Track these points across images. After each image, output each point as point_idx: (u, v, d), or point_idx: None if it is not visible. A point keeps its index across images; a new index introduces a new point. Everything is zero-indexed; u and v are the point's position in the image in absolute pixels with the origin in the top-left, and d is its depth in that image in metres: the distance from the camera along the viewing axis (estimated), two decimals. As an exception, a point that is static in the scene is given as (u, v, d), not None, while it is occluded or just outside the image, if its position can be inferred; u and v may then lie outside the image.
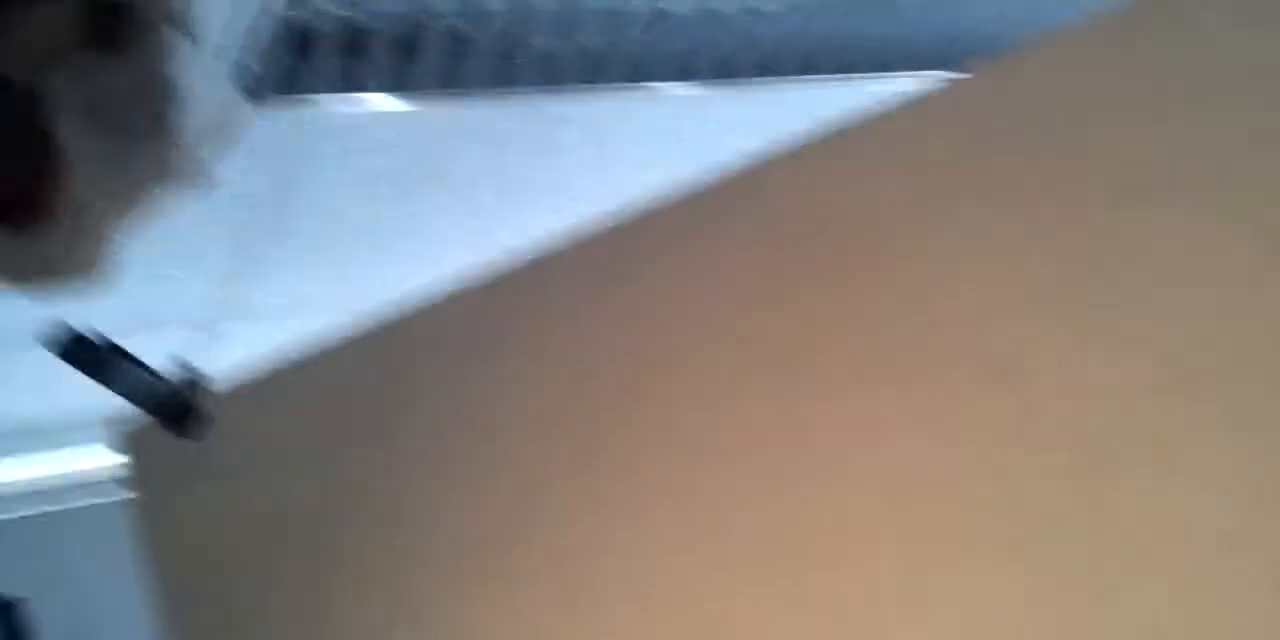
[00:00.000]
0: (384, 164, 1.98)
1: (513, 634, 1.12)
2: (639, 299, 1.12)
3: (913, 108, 0.99)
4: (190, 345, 1.16)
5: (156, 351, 1.15)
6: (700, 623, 1.01)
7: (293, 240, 2.15)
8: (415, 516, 1.17)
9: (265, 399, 1.24)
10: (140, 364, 1.12)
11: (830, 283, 1.01)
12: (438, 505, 1.16)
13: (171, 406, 1.13)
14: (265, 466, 1.22)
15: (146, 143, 0.87)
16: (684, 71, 1.91)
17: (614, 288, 1.13)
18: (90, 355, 1.10)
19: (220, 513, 1.20)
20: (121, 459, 1.25)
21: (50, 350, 1.11)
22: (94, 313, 2.01)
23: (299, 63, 1.68)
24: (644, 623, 1.05)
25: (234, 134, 0.94)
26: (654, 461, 1.08)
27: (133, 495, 1.22)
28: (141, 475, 1.24)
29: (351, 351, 1.23)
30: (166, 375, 1.12)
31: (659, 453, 1.08)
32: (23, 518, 2.69)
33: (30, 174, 0.83)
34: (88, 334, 1.11)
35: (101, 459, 2.51)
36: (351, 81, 1.74)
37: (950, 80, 1.00)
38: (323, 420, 1.21)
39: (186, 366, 1.14)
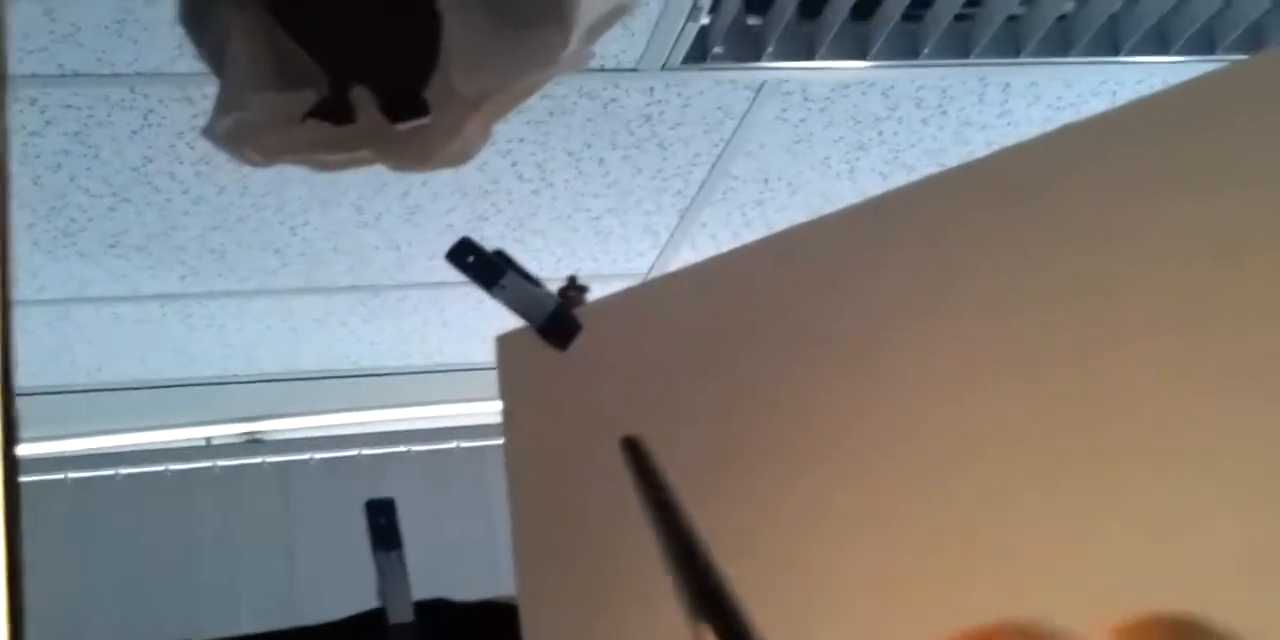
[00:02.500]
0: (827, 132, 1.99)
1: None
2: (1030, 229, 1.07)
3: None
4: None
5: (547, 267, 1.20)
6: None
7: (725, 202, 2.20)
8: (778, 451, 1.16)
9: (637, 314, 1.27)
10: (524, 274, 1.18)
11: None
12: (801, 442, 1.15)
13: (548, 315, 1.18)
14: (625, 383, 1.25)
15: (535, 30, 0.90)
16: (1160, 43, 1.81)
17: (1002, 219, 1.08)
18: (483, 265, 1.16)
19: (577, 426, 1.24)
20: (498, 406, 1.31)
21: (449, 260, 1.18)
22: (530, 258, 2.12)
23: (754, 22, 1.72)
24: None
25: (622, 20, 0.96)
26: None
27: (500, 403, 1.28)
28: (508, 380, 1.30)
29: (730, 271, 1.24)
30: (548, 287, 1.18)
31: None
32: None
33: (410, 66, 0.89)
34: (475, 245, 1.17)
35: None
36: (803, 45, 1.76)
37: None
38: (687, 341, 1.22)
39: (569, 277, 1.19)
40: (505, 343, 1.31)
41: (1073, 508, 0.97)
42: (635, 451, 0.47)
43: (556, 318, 1.19)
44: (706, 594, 0.42)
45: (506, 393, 1.31)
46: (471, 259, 1.17)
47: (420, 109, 0.91)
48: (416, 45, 0.91)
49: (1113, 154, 1.09)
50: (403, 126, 0.92)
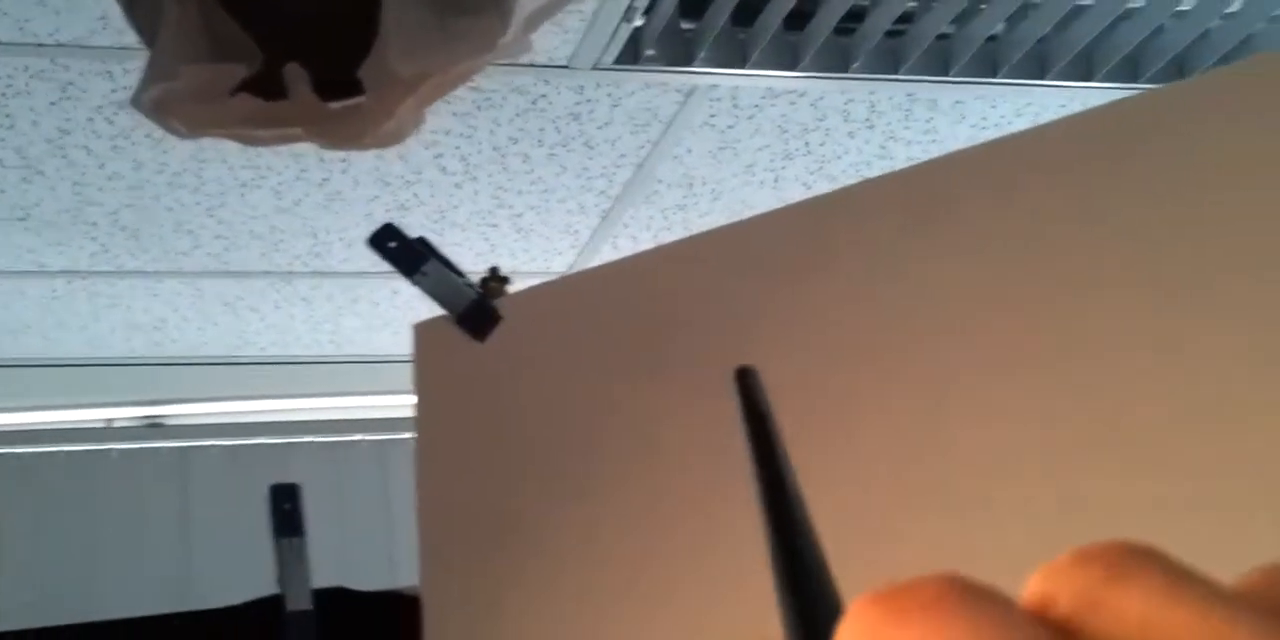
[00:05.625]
0: (753, 140, 2.00)
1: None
2: (960, 236, 1.08)
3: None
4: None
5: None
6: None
7: (648, 204, 2.21)
8: (691, 449, 1.16)
9: (558, 308, 1.27)
10: (448, 264, 1.17)
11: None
12: (715, 440, 1.15)
13: (468, 305, 1.17)
14: (543, 375, 1.25)
15: (474, 16, 0.90)
16: (1086, 69, 1.84)
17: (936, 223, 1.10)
18: (405, 251, 1.15)
19: (491, 417, 1.24)
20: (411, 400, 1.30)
21: (371, 245, 1.17)
22: (448, 251, 2.10)
23: (688, 26, 1.72)
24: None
25: (562, 10, 0.96)
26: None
27: (414, 391, 1.27)
28: (423, 369, 1.29)
29: (653, 269, 1.24)
30: (470, 276, 1.17)
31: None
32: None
33: (347, 45, 0.88)
34: (405, 234, 1.16)
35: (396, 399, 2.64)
36: (735, 52, 1.77)
37: None
38: (608, 336, 1.22)
39: (490, 268, 1.18)
40: (423, 331, 1.30)
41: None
42: (747, 383, 0.43)
43: (477, 308, 1.18)
44: (794, 553, 0.37)
45: (421, 381, 1.30)
46: (393, 245, 1.16)
47: (354, 88, 0.90)
48: (354, 24, 0.90)
49: (1031, 172, 1.11)
50: (335, 105, 0.91)
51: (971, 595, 0.23)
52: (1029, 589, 0.24)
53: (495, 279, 1.20)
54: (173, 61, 0.93)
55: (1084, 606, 0.23)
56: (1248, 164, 0.98)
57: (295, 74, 0.89)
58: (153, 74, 0.94)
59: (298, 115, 0.90)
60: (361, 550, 2.70)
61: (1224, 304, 0.95)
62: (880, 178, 1.24)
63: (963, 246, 1.12)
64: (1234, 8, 1.73)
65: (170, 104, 0.91)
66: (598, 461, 1.22)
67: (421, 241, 1.17)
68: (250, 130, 0.92)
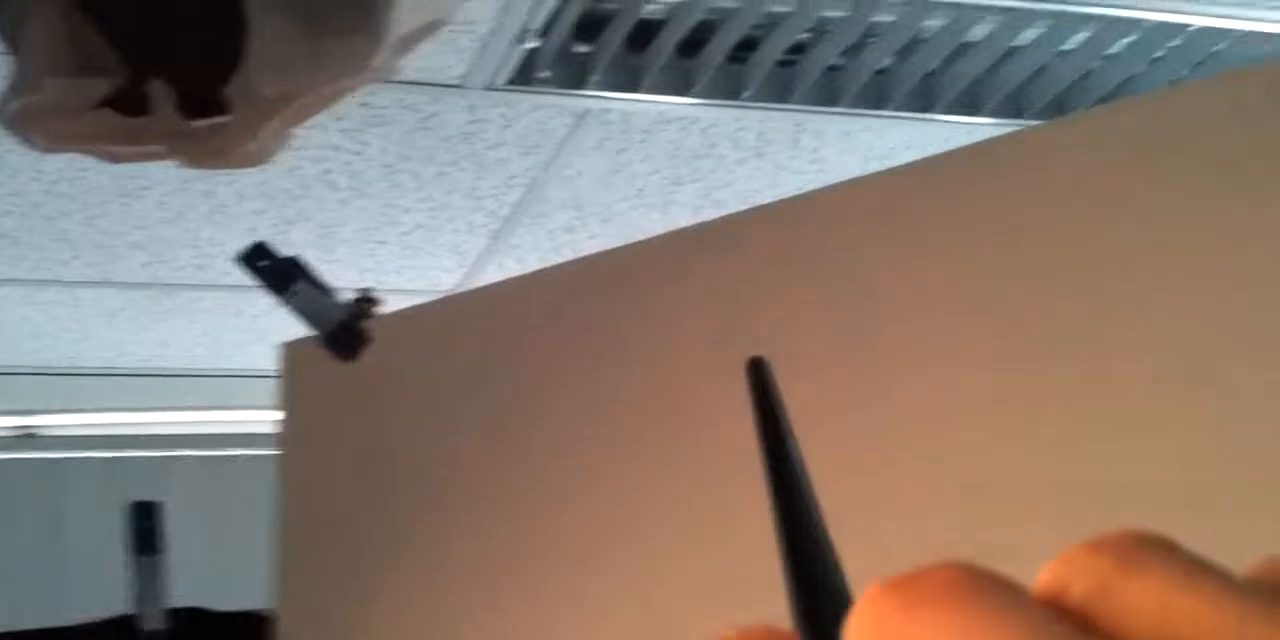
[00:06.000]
0: (644, 164, 2.00)
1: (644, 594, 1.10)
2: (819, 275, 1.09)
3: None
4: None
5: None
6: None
7: (537, 226, 2.20)
8: (560, 475, 1.16)
9: (432, 330, 1.26)
10: (318, 283, 1.15)
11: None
12: (589, 457, 1.15)
13: (337, 326, 1.16)
14: (413, 397, 1.24)
15: (343, 41, 0.89)
16: (971, 105, 1.87)
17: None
18: (274, 270, 1.14)
19: (356, 439, 1.23)
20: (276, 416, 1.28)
21: (241, 263, 1.16)
22: (334, 267, 2.08)
23: (582, 50, 1.72)
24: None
25: (437, 34, 0.95)
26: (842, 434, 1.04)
27: (279, 411, 1.26)
28: (290, 390, 1.28)
29: (529, 293, 1.24)
30: (341, 296, 1.15)
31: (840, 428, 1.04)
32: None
33: (212, 63, 0.86)
34: (271, 249, 1.15)
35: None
36: (628, 77, 1.77)
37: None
38: (480, 359, 1.22)
39: (362, 289, 1.17)
40: (291, 350, 1.29)
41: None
42: (760, 374, 0.42)
43: (345, 329, 1.16)
44: (802, 550, 0.35)
45: (287, 400, 1.28)
46: (264, 263, 1.14)
47: (218, 107, 0.89)
48: (221, 42, 0.88)
49: (918, 200, 1.12)
50: (199, 123, 0.89)
51: (983, 583, 0.23)
52: (1042, 577, 0.24)
53: (366, 300, 1.19)
54: (37, 74, 0.91)
55: (1097, 595, 0.23)
56: (1127, 197, 1.01)
57: (159, 91, 0.88)
58: (16, 87, 0.92)
59: (160, 133, 0.88)
60: (240, 567, 2.65)
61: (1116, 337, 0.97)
62: (765, 207, 1.25)
63: (841, 276, 1.13)
64: (1115, 50, 1.76)
65: (32, 118, 0.90)
66: (468, 482, 1.21)
67: (292, 261, 1.15)
68: (111, 146, 0.91)
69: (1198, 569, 0.23)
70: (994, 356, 1.02)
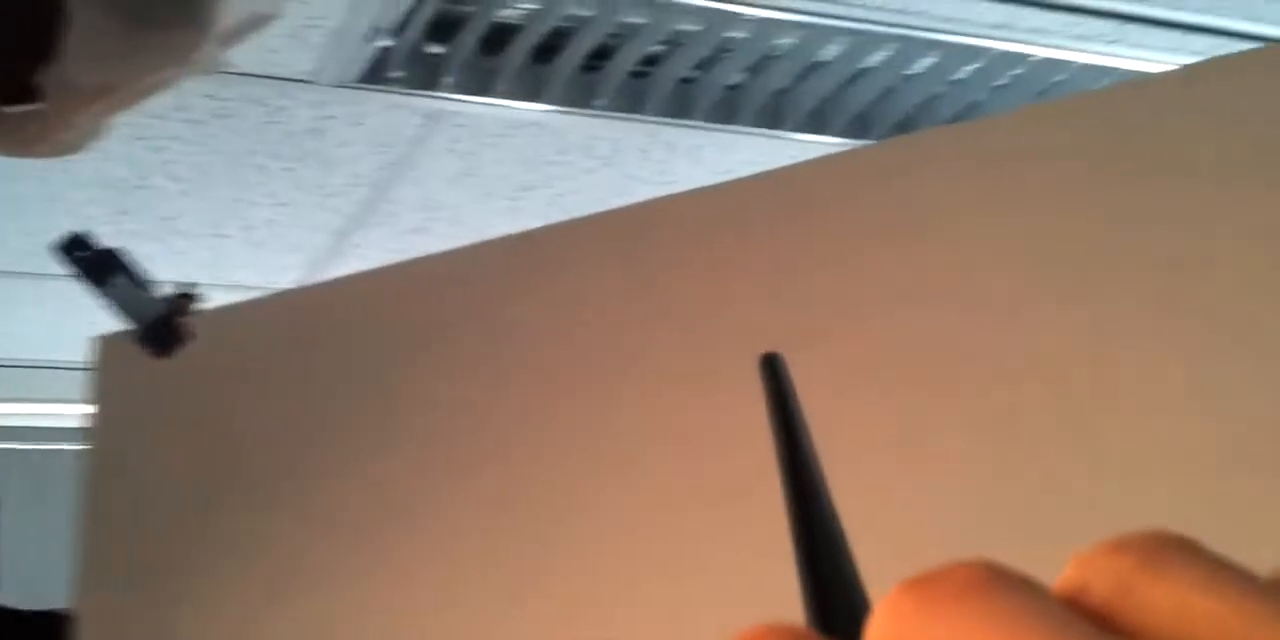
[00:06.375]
0: (494, 168, 1.99)
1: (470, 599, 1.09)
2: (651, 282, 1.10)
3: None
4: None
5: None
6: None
7: (384, 226, 2.18)
8: (376, 473, 1.14)
9: (258, 327, 1.24)
10: (136, 276, 1.12)
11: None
12: (403, 470, 1.13)
13: (153, 321, 1.13)
14: (236, 397, 1.21)
15: (164, 33, 0.87)
16: (820, 123, 1.89)
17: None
18: (92, 262, 1.11)
19: (172, 440, 1.20)
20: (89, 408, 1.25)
21: (58, 252, 1.12)
22: (172, 260, 2.03)
23: (436, 51, 1.70)
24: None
25: (264, 30, 0.93)
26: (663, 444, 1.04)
27: (91, 407, 1.23)
28: (103, 385, 1.25)
29: (363, 291, 1.22)
30: (161, 290, 1.13)
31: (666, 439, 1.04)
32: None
33: (26, 50, 0.84)
34: (91, 240, 1.12)
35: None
36: (482, 80, 1.76)
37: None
38: (314, 354, 1.20)
39: (183, 284, 1.15)
40: (105, 344, 1.25)
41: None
42: (773, 370, 0.40)
43: (160, 324, 1.14)
44: (817, 544, 0.34)
45: (99, 396, 1.25)
46: (82, 254, 1.11)
47: (31, 95, 0.86)
48: (35, 29, 0.86)
49: (765, 212, 1.13)
50: (10, 110, 0.87)
51: (1004, 582, 0.23)
52: (1063, 576, 0.24)
53: (185, 296, 1.16)
54: None
55: (1118, 595, 0.23)
56: (969, 215, 1.03)
57: (-33, 74, 0.85)
58: None
59: (-34, 118, 0.85)
60: (61, 564, 2.58)
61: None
62: (607, 213, 1.25)
63: (688, 281, 1.13)
64: (960, 76, 1.80)
65: None
66: (298, 483, 1.19)
67: (111, 253, 1.12)
68: (-86, 129, 0.88)
69: (1220, 570, 0.23)
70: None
